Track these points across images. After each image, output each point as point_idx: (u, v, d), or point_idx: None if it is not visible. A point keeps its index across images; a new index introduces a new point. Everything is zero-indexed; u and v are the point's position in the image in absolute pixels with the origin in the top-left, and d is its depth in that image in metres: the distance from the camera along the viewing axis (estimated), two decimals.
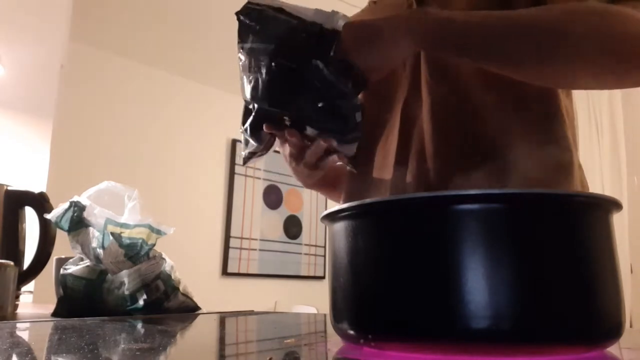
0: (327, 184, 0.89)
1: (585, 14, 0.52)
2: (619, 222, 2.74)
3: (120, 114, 3.07)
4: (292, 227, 3.82)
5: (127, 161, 3.02)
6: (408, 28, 0.55)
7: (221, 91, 3.46)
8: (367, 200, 0.34)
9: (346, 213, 0.35)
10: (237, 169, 3.54)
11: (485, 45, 0.54)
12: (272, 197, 3.75)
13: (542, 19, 0.53)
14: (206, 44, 2.95)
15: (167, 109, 3.28)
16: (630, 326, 2.63)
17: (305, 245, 3.87)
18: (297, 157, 0.63)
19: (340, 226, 0.36)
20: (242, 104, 0.62)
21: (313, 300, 3.48)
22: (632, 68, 0.51)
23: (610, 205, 0.30)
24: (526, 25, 0.53)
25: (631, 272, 2.71)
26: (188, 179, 3.31)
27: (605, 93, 2.87)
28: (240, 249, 3.48)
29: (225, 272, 3.37)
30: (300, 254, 3.84)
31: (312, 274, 3.85)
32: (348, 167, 0.62)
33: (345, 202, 0.77)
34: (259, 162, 3.61)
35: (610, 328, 0.30)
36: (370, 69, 0.55)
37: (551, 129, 0.62)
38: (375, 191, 0.73)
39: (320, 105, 0.54)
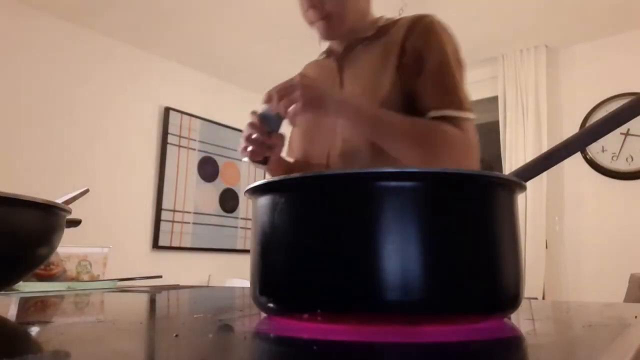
0: None
1: (433, 131, 0.89)
2: (538, 200, 2.95)
3: (46, 75, 2.85)
4: (229, 201, 3.77)
5: (52, 125, 2.82)
6: (349, 112, 0.88)
7: (155, 56, 3.29)
8: (290, 176, 0.34)
9: (269, 187, 0.35)
10: (170, 138, 3.42)
11: (387, 136, 0.89)
12: (208, 169, 3.66)
13: (419, 129, 0.89)
14: (142, 3, 2.79)
15: (96, 71, 3.08)
16: (543, 298, 2.84)
17: (242, 219, 3.84)
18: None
19: (263, 200, 0.36)
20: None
21: (248, 274, 3.48)
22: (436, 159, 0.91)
23: (514, 185, 0.32)
24: (410, 129, 0.89)
25: (546, 247, 2.92)
26: (117, 147, 3.16)
27: (531, 80, 3.09)
28: (173, 222, 3.39)
29: (156, 246, 3.28)
30: (237, 227, 3.80)
31: (248, 247, 3.84)
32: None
33: None
34: (194, 132, 3.52)
35: (507, 299, 0.32)
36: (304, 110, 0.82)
37: None
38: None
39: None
